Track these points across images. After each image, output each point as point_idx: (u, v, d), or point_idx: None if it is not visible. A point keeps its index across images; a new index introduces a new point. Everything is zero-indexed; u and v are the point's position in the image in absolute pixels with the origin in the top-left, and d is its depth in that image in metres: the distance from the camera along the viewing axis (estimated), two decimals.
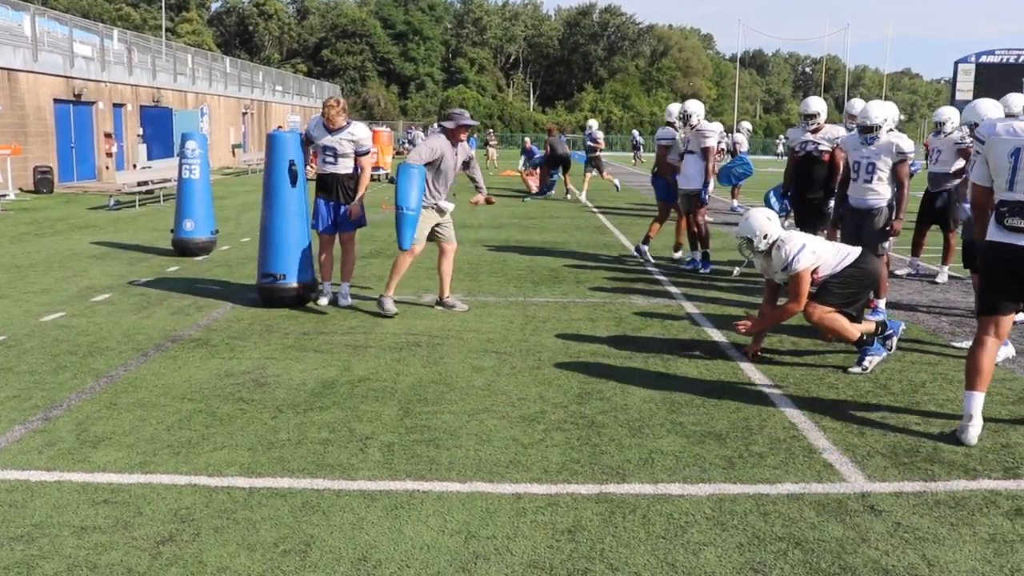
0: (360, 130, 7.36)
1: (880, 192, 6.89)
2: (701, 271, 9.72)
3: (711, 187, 9.73)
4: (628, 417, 4.70)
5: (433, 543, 3.25)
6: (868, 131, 6.83)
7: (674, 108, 10.61)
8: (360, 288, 8.16)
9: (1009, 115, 7.17)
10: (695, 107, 9.80)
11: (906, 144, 6.86)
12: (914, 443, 4.38)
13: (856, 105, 8.34)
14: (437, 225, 7.24)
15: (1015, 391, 5.30)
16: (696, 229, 9.89)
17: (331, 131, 7.25)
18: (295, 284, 7.27)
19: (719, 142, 11.62)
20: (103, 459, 4.00)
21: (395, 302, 7.20)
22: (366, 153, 7.40)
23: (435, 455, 4.11)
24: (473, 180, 7.66)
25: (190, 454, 4.08)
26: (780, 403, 5.00)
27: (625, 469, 3.98)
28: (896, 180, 6.88)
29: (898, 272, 9.62)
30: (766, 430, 4.54)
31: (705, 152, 9.53)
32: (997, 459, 4.18)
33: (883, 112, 6.86)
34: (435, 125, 7.19)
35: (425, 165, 6.96)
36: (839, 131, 8.49)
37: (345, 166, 7.32)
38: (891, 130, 6.93)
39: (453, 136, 7.13)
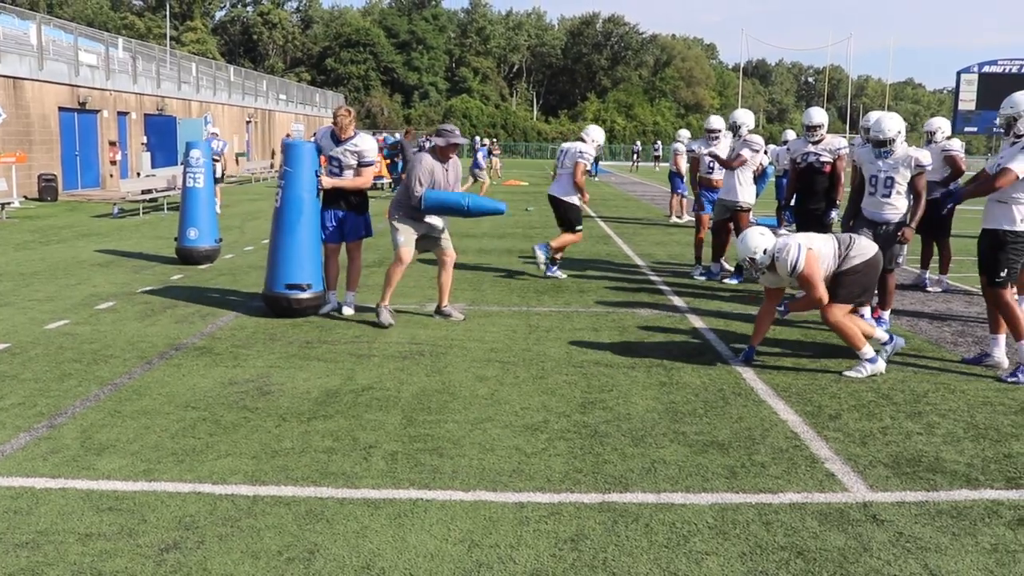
0: (364, 141, 7.37)
1: (898, 206, 6.86)
2: (731, 282, 9.58)
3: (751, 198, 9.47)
4: (631, 426, 4.71)
5: (436, 551, 3.27)
6: (882, 144, 6.82)
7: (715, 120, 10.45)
8: (365, 297, 8.18)
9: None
10: (744, 117, 9.60)
11: (924, 157, 6.86)
12: (916, 453, 4.39)
13: (872, 118, 8.33)
14: (432, 238, 7.24)
15: (1017, 401, 5.31)
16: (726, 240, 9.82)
17: (338, 142, 7.28)
18: (315, 294, 7.30)
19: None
20: (107, 466, 4.02)
21: (398, 312, 7.20)
22: (369, 164, 7.43)
23: (439, 464, 4.13)
24: None
25: (194, 462, 4.10)
26: (782, 412, 5.01)
27: (628, 478, 3.99)
28: (914, 192, 6.87)
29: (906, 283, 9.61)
30: (768, 439, 4.55)
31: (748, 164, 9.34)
32: (999, 469, 4.19)
33: (896, 125, 6.85)
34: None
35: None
36: (840, 142, 8.52)
37: (349, 177, 7.34)
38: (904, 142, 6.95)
39: (443, 153, 7.10)
